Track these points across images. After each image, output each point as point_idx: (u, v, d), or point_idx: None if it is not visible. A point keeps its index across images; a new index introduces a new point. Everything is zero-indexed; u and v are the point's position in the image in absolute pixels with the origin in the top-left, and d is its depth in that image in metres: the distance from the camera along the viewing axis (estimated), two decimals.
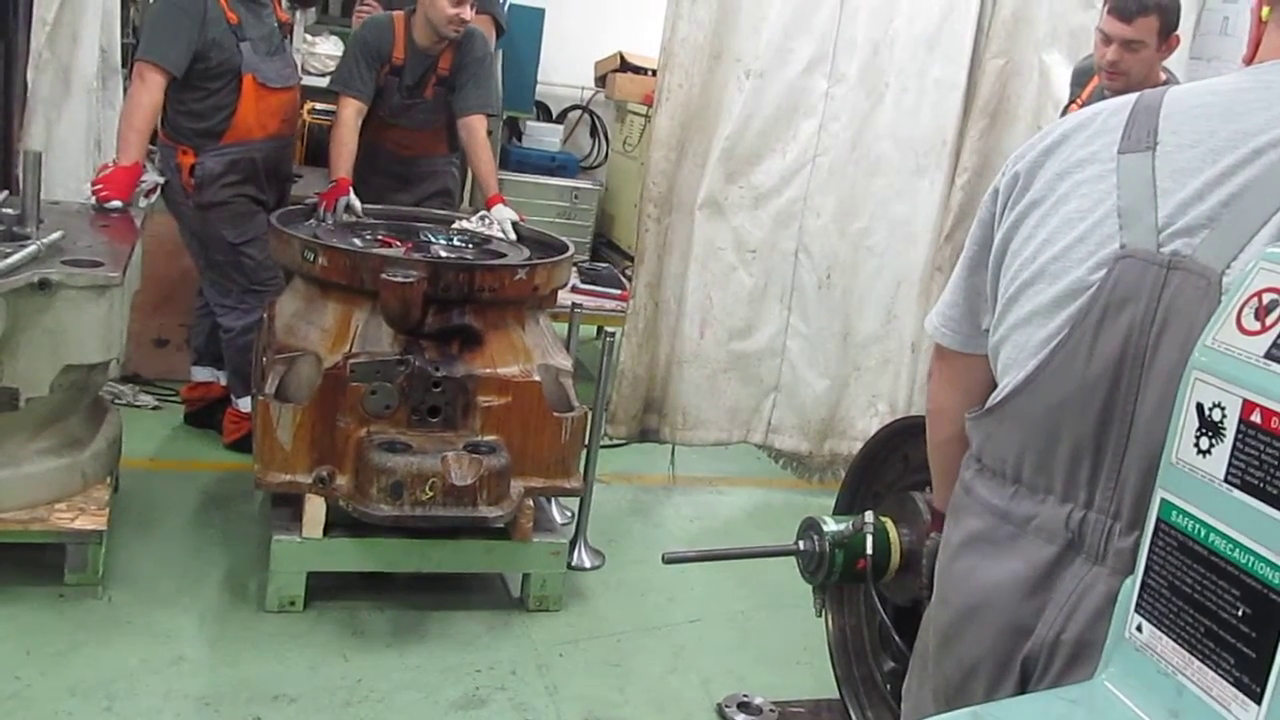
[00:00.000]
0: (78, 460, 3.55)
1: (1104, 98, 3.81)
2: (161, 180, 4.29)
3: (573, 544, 4.02)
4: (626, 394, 4.50)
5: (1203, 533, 1.19)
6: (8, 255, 3.11)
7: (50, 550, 3.45)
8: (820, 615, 2.67)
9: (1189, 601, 1.20)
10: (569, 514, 4.24)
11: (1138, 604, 1.27)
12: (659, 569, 3.10)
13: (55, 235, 3.37)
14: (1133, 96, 1.50)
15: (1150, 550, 1.25)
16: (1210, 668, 1.17)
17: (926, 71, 4.59)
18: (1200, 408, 1.19)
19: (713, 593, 4.00)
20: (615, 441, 4.65)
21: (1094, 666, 1.32)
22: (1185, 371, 1.22)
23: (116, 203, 3.97)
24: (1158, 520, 1.25)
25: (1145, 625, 1.25)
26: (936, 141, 4.67)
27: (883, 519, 2.42)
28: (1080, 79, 4.30)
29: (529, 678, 3.38)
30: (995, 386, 1.55)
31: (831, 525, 2.43)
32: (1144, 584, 1.26)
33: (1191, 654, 1.19)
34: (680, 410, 4.62)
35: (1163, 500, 1.24)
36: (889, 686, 2.88)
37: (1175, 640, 1.21)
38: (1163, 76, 3.93)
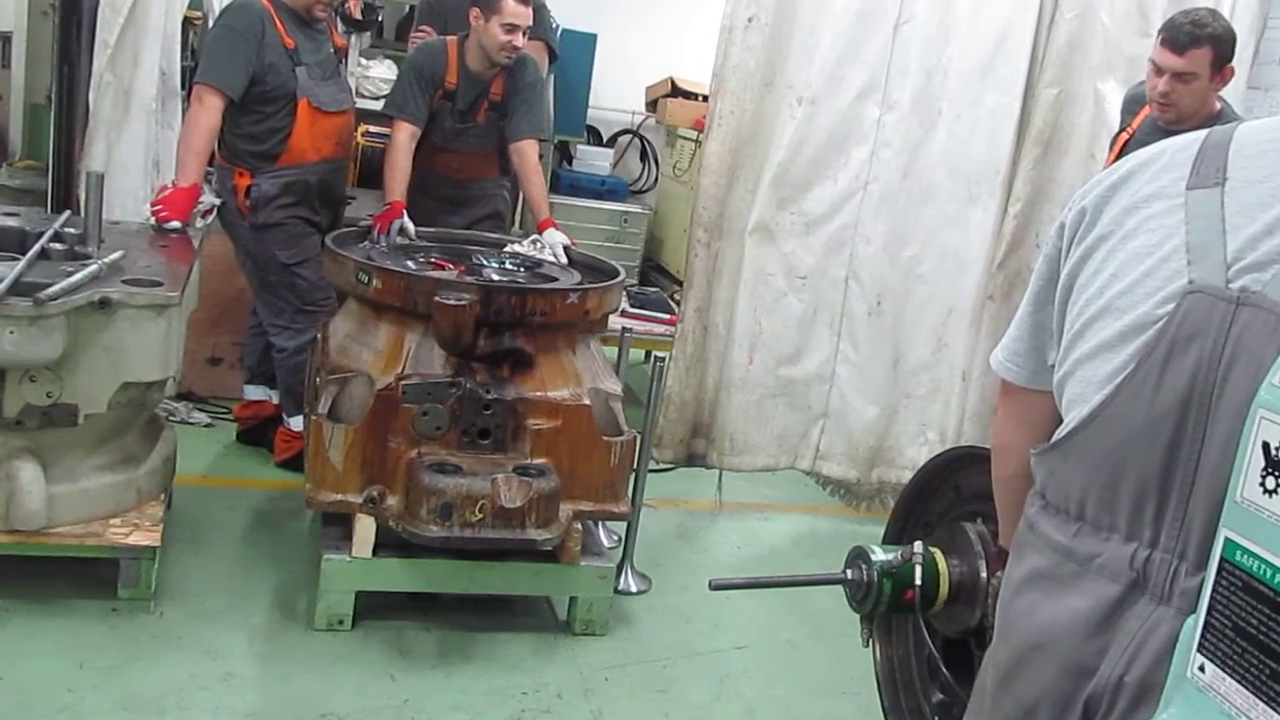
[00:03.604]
0: (133, 477, 3.59)
1: (1156, 127, 3.81)
2: (218, 201, 4.35)
3: (619, 568, 4.02)
4: (674, 418, 4.50)
5: (1268, 573, 1.17)
6: (70, 274, 3.17)
7: (103, 565, 3.49)
8: (867, 645, 2.65)
9: (1254, 643, 1.18)
10: (616, 538, 4.25)
11: (1200, 644, 1.25)
12: (705, 595, 3.09)
13: (115, 255, 3.43)
14: (1202, 132, 1.48)
15: (1214, 590, 1.24)
16: (1276, 711, 1.15)
17: (980, 100, 4.57)
18: (1267, 446, 1.17)
19: (759, 620, 3.99)
20: (663, 466, 4.65)
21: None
22: (1251, 409, 1.20)
23: (175, 223, 4.04)
24: (1221, 559, 1.23)
25: (1208, 666, 1.23)
26: (989, 170, 4.64)
27: (932, 549, 2.40)
28: (1131, 107, 4.24)
29: (574, 702, 3.38)
30: (1060, 422, 1.53)
31: (880, 554, 2.41)
32: (1207, 624, 1.24)
33: (1257, 696, 1.17)
34: (728, 435, 4.61)
35: (1227, 540, 1.22)
36: (937, 719, 2.85)
37: (1239, 682, 1.19)
38: (1217, 106, 3.87)
